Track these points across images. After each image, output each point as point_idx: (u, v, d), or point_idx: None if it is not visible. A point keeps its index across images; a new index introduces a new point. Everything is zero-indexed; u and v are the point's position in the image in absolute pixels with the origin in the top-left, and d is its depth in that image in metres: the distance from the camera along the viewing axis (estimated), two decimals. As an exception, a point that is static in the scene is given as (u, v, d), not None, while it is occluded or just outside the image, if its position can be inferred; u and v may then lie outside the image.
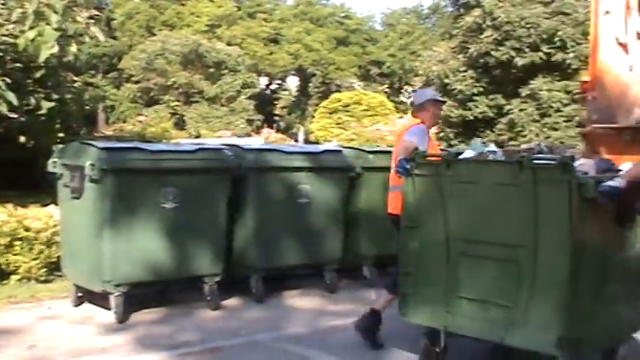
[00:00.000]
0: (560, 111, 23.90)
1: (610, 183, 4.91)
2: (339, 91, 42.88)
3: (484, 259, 5.24)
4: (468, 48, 27.11)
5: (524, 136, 25.12)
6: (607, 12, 8.61)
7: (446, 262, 5.42)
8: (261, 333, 6.62)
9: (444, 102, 6.91)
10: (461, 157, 5.67)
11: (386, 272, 8.86)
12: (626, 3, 8.86)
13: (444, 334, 5.49)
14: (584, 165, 5.27)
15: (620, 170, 5.37)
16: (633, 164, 5.26)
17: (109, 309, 6.81)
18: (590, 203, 4.82)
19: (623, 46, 8.94)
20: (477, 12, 26.75)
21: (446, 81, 27.43)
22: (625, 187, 4.89)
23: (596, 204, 4.85)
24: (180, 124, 38.45)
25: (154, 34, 44.21)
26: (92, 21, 10.94)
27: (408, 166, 5.62)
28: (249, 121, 42.75)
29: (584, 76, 8.72)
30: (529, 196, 4.93)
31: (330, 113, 35.57)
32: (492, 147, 6.18)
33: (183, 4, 49.20)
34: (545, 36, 25.31)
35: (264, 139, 30.01)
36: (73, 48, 10.24)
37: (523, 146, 6.21)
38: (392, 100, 44.65)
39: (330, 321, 7.06)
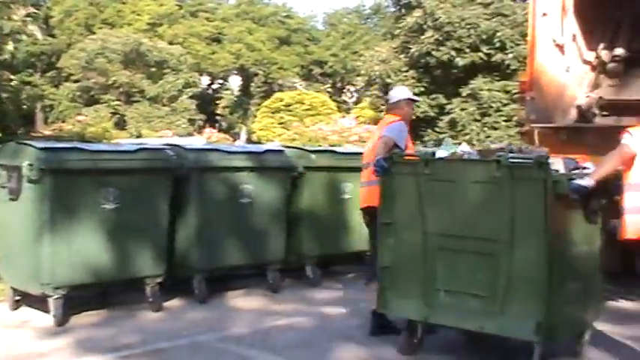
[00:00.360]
0: (500, 110, 24.26)
1: (580, 182, 5.34)
2: (282, 91, 42.84)
3: (462, 253, 5.56)
4: (410, 48, 27.35)
5: (466, 135, 25.45)
6: (544, 14, 8.72)
7: (424, 256, 5.70)
8: (203, 334, 6.56)
9: (418, 101, 7.02)
10: (436, 156, 5.93)
11: (328, 271, 8.98)
12: (562, 5, 9.00)
13: (422, 325, 5.81)
14: (555, 163, 5.50)
15: (585, 168, 5.75)
16: (598, 165, 5.64)
17: (48, 312, 6.69)
18: (563, 199, 5.23)
19: (560, 47, 9.09)
20: (418, 12, 26.99)
21: (388, 81, 27.60)
22: (593, 187, 5.35)
23: (567, 200, 5.27)
24: (121, 124, 38.00)
25: (94, 33, 43.54)
26: (29, 19, 10.76)
27: (386, 165, 5.86)
28: (191, 121, 42.47)
29: (523, 77, 8.84)
30: (506, 193, 5.29)
31: (273, 113, 35.51)
32: (464, 146, 6.50)
33: (123, 3, 48.60)
34: (484, 37, 25.67)
35: (206, 138, 29.81)
36: (10, 46, 10.07)
37: (493, 146, 6.50)
38: (334, 100, 44.74)
39: (273, 321, 7.04)
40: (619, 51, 9.45)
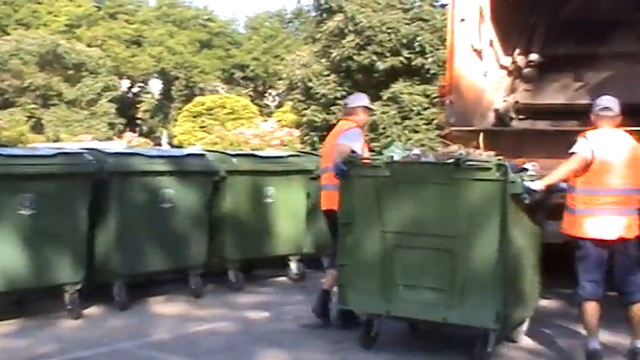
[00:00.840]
0: (421, 114, 24.53)
1: (530, 184, 5.76)
2: (203, 95, 42.61)
3: (421, 249, 5.93)
4: (331, 52, 27.43)
5: (387, 138, 25.67)
6: (462, 19, 8.85)
7: (382, 254, 6.03)
8: (124, 341, 6.46)
9: (374, 110, 7.26)
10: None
11: (251, 275, 8.96)
12: (479, 11, 9.17)
13: (376, 319, 6.17)
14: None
15: (525, 170, 6.14)
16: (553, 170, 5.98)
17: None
18: (516, 199, 5.67)
19: (478, 52, 9.25)
20: (339, 17, 27.09)
21: (309, 85, 27.65)
22: (543, 189, 5.80)
23: (519, 199, 5.70)
24: (37, 128, 37.18)
25: (8, 33, 42.49)
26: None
27: (345, 168, 6.19)
28: (111, 125, 41.88)
29: (442, 81, 8.97)
30: (464, 193, 5.73)
31: (194, 117, 35.27)
32: (416, 150, 6.74)
33: (39, 3, 47.58)
34: (405, 41, 25.92)
35: (127, 143, 29.46)
36: None
37: (444, 150, 6.72)
38: (256, 104, 44.71)
39: (196, 326, 6.96)
40: (534, 56, 9.71)
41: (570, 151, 5.88)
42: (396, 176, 6.03)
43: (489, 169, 5.69)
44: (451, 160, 5.87)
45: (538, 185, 5.81)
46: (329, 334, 6.69)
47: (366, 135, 7.20)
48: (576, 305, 5.96)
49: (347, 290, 6.23)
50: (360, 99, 7.39)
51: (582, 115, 9.10)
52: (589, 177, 5.78)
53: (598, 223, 5.75)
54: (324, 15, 29.54)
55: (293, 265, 9.16)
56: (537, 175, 6.11)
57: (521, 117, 9.76)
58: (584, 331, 5.88)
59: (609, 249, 5.79)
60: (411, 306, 5.97)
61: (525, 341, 6.45)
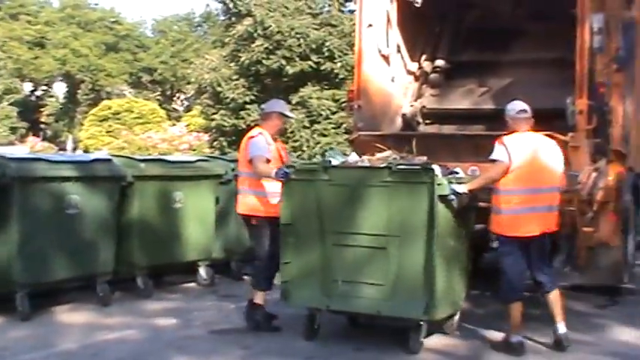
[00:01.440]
0: (329, 118, 24.71)
1: (456, 187, 6.24)
2: (110, 99, 41.89)
3: (358, 247, 6.38)
4: (240, 56, 27.37)
5: (296, 142, 25.75)
6: (370, 25, 8.97)
7: (322, 252, 6.48)
8: (27, 352, 6.28)
9: (289, 117, 7.66)
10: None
11: (160, 282, 8.84)
12: (387, 17, 9.31)
13: (320, 313, 6.58)
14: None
15: (455, 173, 6.76)
16: (476, 175, 6.77)
17: None
18: (444, 199, 6.13)
19: (385, 58, 9.39)
20: (248, 21, 27.04)
21: (218, 89, 27.52)
22: (467, 192, 6.30)
23: (447, 200, 6.16)
24: None
25: None
26: None
27: (288, 171, 6.62)
28: (13, 129, 40.79)
29: (351, 86, 9.07)
30: (396, 194, 6.19)
31: (101, 121, 34.64)
32: (354, 155, 7.32)
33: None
34: (314, 46, 26.06)
35: (30, 148, 28.74)
36: None
37: (379, 156, 7.06)
38: (164, 108, 44.25)
39: (104, 335, 6.83)
40: (439, 62, 9.92)
41: (491, 157, 6.29)
42: (334, 180, 6.48)
43: (418, 172, 6.21)
44: (384, 165, 6.42)
45: (463, 188, 6.27)
46: (239, 340, 6.69)
47: (275, 139, 7.27)
48: (502, 301, 6.41)
49: (290, 287, 6.65)
50: (275, 105, 7.54)
51: (487, 120, 9.43)
52: (509, 179, 6.21)
53: (520, 222, 6.20)
54: (233, 19, 29.45)
55: (202, 271, 9.10)
56: (467, 178, 6.70)
57: (427, 122, 9.94)
58: (507, 326, 6.36)
59: (530, 245, 6.25)
60: (349, 300, 6.42)
61: (455, 334, 6.84)
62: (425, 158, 6.84)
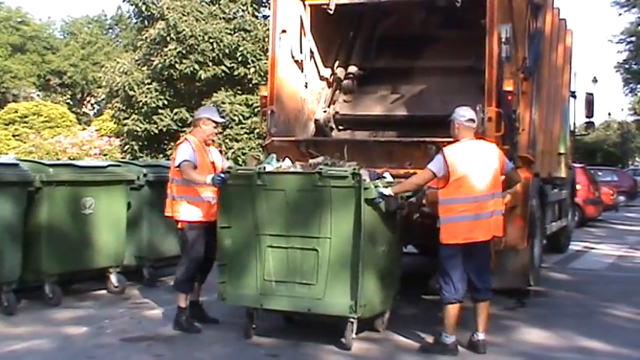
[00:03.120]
0: (242, 123, 24.66)
1: (382, 190, 6.55)
2: (17, 102, 40.87)
3: (290, 249, 6.66)
4: (153, 60, 27.10)
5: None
6: (283, 31, 8.99)
7: (257, 253, 6.77)
8: None
9: (218, 123, 7.63)
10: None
11: (70, 290, 8.68)
12: (300, 23, 9.36)
13: (256, 312, 6.88)
14: (363, 174, 6.57)
15: (383, 177, 7.18)
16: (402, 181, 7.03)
17: None
18: (371, 203, 6.45)
19: (299, 63, 9.43)
20: (161, 25, 26.79)
21: (131, 93, 27.17)
22: (392, 195, 6.62)
23: (375, 204, 6.49)
24: None
25: None
26: None
27: (224, 177, 6.88)
28: None
29: (264, 91, 9.06)
30: (326, 198, 6.49)
31: (7, 124, 33.78)
32: (287, 162, 7.44)
33: None
34: (227, 51, 25.97)
35: None
36: None
37: (312, 161, 7.23)
38: (74, 112, 43.41)
39: (9, 346, 6.62)
40: (352, 69, 10.03)
41: (428, 167, 6.53)
42: (268, 184, 6.77)
43: (346, 177, 6.48)
44: (314, 170, 6.69)
45: (388, 191, 6.58)
46: (151, 347, 6.65)
47: (207, 144, 7.36)
48: (442, 302, 6.53)
49: (227, 287, 6.92)
50: (203, 111, 7.77)
51: (399, 126, 9.57)
52: (450, 189, 6.41)
53: (462, 229, 6.37)
54: (146, 22, 29.13)
55: (113, 278, 8.98)
56: (395, 182, 7.04)
57: (341, 127, 10.02)
58: (443, 327, 6.55)
59: (472, 251, 6.43)
60: (282, 300, 6.70)
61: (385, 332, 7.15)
62: (355, 163, 7.04)
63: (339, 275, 6.46)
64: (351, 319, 6.43)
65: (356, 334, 6.54)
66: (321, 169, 6.66)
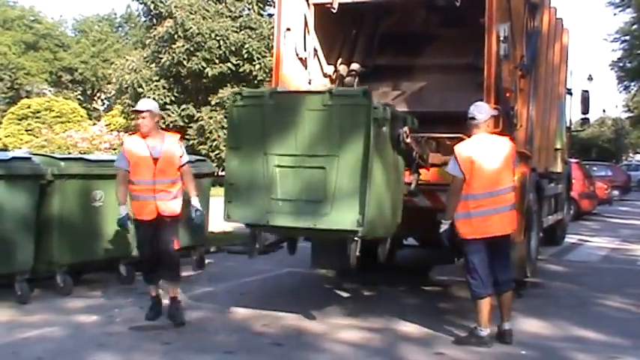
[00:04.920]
0: (249, 119, 24.93)
1: (442, 229, 6.60)
2: (29, 97, 41.13)
3: (298, 168, 6.72)
4: (161, 58, 27.27)
5: (214, 141, 25.79)
6: (288, 29, 9.13)
7: (264, 173, 6.81)
8: (-54, 351, 6.23)
9: (137, 112, 7.21)
10: None
11: (80, 279, 8.87)
12: (304, 22, 9.52)
13: (263, 229, 7.03)
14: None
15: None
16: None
17: None
18: (379, 123, 6.59)
19: (303, 61, 9.58)
20: (169, 22, 26.97)
21: (139, 90, 27.36)
22: (449, 224, 6.61)
23: (381, 124, 6.63)
24: None
25: None
26: None
27: (125, 223, 7.12)
28: None
29: (269, 87, 9.21)
30: (336, 116, 6.56)
31: (20, 120, 34.03)
32: None
33: None
34: (233, 48, 26.16)
35: (-55, 147, 27.98)
36: None
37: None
38: (84, 107, 43.63)
39: (23, 333, 6.79)
40: (355, 66, 10.13)
41: (447, 170, 6.66)
42: (279, 104, 6.86)
43: (357, 95, 6.65)
44: (326, 89, 6.73)
45: (446, 225, 6.65)
46: (159, 336, 6.78)
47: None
48: (473, 298, 6.64)
49: (232, 206, 7.01)
50: (139, 104, 7.39)
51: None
52: (467, 185, 6.52)
53: (480, 224, 6.47)
54: (154, 20, 29.31)
55: (122, 268, 9.15)
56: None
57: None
58: (476, 322, 6.63)
59: (492, 245, 6.54)
60: (288, 217, 6.74)
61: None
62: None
63: (345, 192, 6.51)
64: (355, 238, 6.53)
65: (358, 255, 6.79)
66: (331, 88, 6.74)
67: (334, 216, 6.53)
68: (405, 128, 7.05)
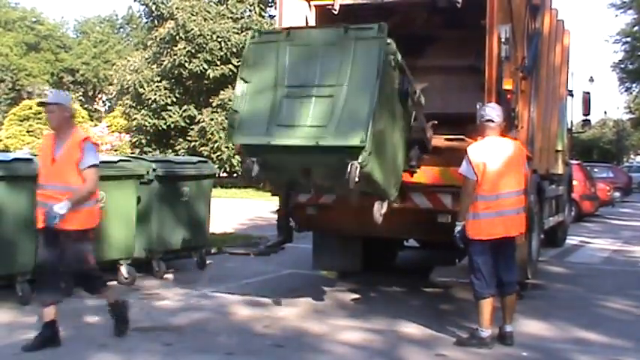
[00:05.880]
0: (250, 120, 24.99)
1: (456, 233, 6.66)
2: (31, 98, 41.19)
3: (307, 97, 6.78)
4: (162, 59, 27.31)
5: (215, 142, 25.82)
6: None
7: (273, 101, 6.88)
8: (-52, 352, 6.23)
9: (43, 105, 6.62)
10: None
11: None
12: (305, 23, 9.51)
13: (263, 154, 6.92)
14: None
15: None
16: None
17: None
18: (391, 59, 6.71)
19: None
20: (170, 24, 27.01)
21: (141, 91, 27.40)
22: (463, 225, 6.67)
23: (392, 62, 6.75)
24: None
25: None
26: None
27: (52, 221, 6.07)
28: None
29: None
30: (349, 48, 6.69)
31: (21, 121, 34.07)
32: None
33: None
34: (235, 50, 26.20)
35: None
36: None
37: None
38: (86, 109, 43.68)
39: (25, 334, 6.74)
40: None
41: (460, 172, 6.67)
42: (295, 40, 7.02)
43: (372, 28, 6.74)
44: (342, 25, 6.92)
45: (459, 227, 6.67)
46: (160, 337, 6.80)
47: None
48: (475, 298, 6.66)
49: (234, 131, 7.05)
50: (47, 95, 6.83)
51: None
52: (478, 186, 6.56)
53: (486, 226, 6.52)
54: (156, 22, 29.35)
55: (123, 270, 9.17)
56: None
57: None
58: (478, 322, 6.67)
59: (497, 246, 6.58)
60: (290, 138, 6.73)
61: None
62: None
63: (350, 116, 6.55)
64: (356, 163, 6.38)
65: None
66: (347, 24, 6.88)
67: (338, 135, 6.51)
68: (417, 90, 7.25)
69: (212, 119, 26.14)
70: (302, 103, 6.78)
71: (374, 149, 6.49)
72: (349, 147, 6.40)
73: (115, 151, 27.68)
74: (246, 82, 7.08)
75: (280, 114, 6.82)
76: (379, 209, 6.96)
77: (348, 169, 6.34)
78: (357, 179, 6.37)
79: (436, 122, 7.93)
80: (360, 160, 6.35)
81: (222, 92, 26.22)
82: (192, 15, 26.55)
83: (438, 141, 7.92)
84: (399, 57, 6.82)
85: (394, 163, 7.17)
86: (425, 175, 7.94)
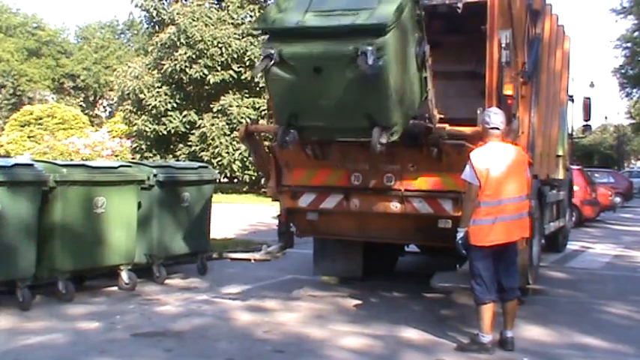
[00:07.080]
0: (250, 126, 24.99)
1: (460, 239, 6.60)
2: (32, 104, 41.25)
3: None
4: (163, 64, 27.34)
5: (216, 148, 25.83)
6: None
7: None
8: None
9: None
10: None
11: (83, 286, 8.87)
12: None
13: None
14: None
15: None
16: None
17: None
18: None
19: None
20: (171, 29, 27.06)
21: (141, 96, 27.43)
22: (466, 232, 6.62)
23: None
24: None
25: None
26: None
27: None
28: None
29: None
30: None
31: (22, 126, 34.11)
32: None
33: None
34: (235, 55, 26.24)
35: (-52, 153, 28.06)
36: None
37: None
38: (87, 114, 43.75)
39: (25, 340, 6.79)
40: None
41: (462, 177, 6.66)
42: None
43: None
44: None
45: (462, 232, 6.65)
46: (161, 343, 6.80)
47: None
48: (476, 303, 6.67)
49: (267, 14, 7.41)
50: None
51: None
52: (480, 192, 6.54)
53: (487, 232, 6.51)
54: (157, 27, 29.41)
55: (124, 275, 9.15)
56: None
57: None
58: (479, 328, 6.66)
59: (499, 252, 6.58)
60: (322, 19, 6.86)
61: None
62: None
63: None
64: (371, 48, 6.43)
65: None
66: None
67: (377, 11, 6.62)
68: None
69: (213, 125, 26.16)
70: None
71: (393, 48, 6.57)
72: (375, 25, 6.52)
73: (116, 156, 27.74)
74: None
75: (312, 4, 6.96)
76: (378, 137, 6.89)
77: (364, 50, 6.39)
78: (370, 62, 6.38)
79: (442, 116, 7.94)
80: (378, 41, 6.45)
81: (222, 98, 26.24)
82: (193, 20, 26.59)
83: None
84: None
85: (408, 90, 7.13)
86: (426, 180, 7.94)
